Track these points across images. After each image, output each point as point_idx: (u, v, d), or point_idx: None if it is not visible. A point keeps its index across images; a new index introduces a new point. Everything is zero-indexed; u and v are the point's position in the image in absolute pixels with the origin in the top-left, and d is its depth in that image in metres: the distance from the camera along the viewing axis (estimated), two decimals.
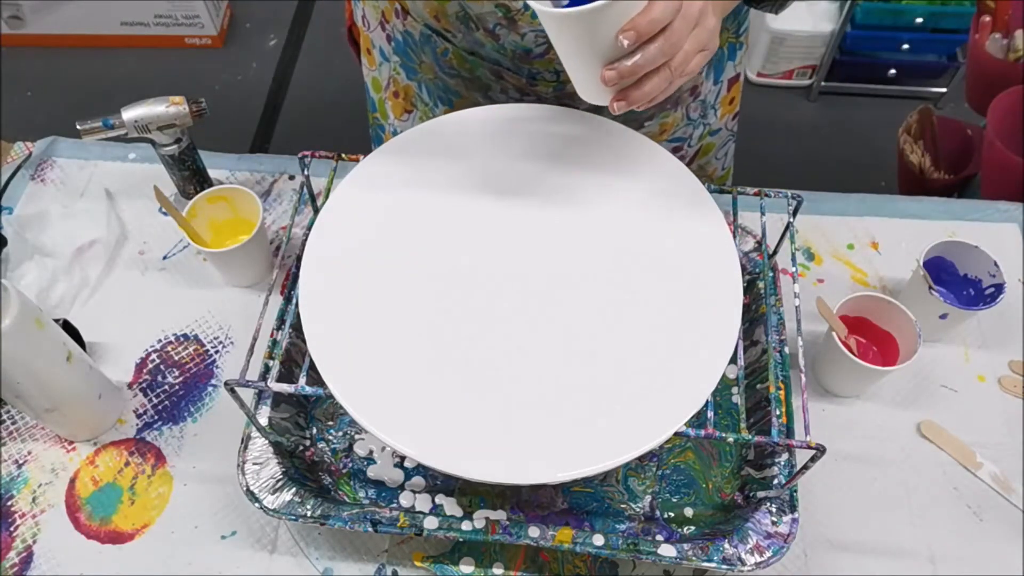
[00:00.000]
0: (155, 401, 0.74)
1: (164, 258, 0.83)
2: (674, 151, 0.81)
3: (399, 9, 0.71)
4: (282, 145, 1.93)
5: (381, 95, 0.84)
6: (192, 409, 0.73)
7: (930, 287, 0.71)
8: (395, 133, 0.85)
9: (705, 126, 0.82)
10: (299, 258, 0.60)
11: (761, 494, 0.63)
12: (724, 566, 0.58)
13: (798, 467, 0.61)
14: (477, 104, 0.74)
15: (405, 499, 0.66)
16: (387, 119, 0.85)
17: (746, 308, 0.71)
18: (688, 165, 0.81)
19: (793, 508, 0.60)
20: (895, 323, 0.70)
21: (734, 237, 0.60)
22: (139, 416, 0.73)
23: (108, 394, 0.71)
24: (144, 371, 0.76)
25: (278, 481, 0.63)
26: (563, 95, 0.71)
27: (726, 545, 0.59)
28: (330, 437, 0.70)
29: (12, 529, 0.67)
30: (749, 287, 0.74)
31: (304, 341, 0.55)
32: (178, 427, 0.72)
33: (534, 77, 0.69)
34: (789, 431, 0.64)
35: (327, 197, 0.62)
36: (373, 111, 0.88)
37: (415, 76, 0.77)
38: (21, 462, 0.71)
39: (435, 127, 0.65)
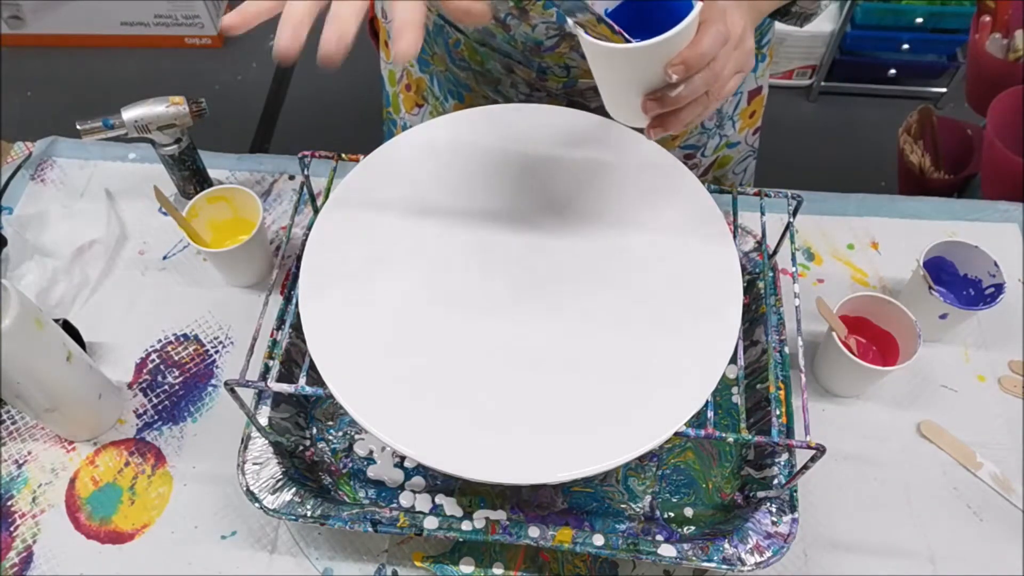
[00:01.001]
0: (155, 401, 0.74)
1: (164, 258, 0.83)
2: (686, 159, 0.80)
3: None
4: (282, 145, 1.93)
5: (395, 88, 0.84)
6: (192, 409, 0.73)
7: (930, 287, 0.71)
8: (405, 128, 0.85)
9: (722, 137, 0.81)
10: (299, 258, 0.60)
11: (761, 494, 0.63)
12: (724, 566, 0.58)
13: (798, 467, 0.61)
14: (487, 99, 0.74)
15: (405, 499, 0.66)
16: (399, 113, 0.85)
17: (746, 308, 0.71)
18: (702, 177, 0.80)
19: (793, 508, 0.60)
20: (895, 323, 0.70)
21: (734, 237, 0.60)
22: (139, 416, 0.73)
23: (108, 394, 0.71)
24: (144, 371, 0.76)
25: (278, 481, 0.63)
26: (572, 91, 0.70)
27: (726, 545, 0.59)
28: (330, 437, 0.70)
29: (12, 529, 0.67)
30: (749, 287, 0.74)
31: (304, 341, 0.55)
32: (178, 427, 0.72)
33: (544, 71, 0.69)
34: (789, 431, 0.64)
35: (327, 197, 0.62)
36: (387, 105, 0.88)
37: (427, 68, 0.77)
38: (21, 462, 0.71)
39: (437, 126, 0.65)
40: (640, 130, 0.53)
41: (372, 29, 0.89)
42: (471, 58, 0.71)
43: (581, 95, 0.71)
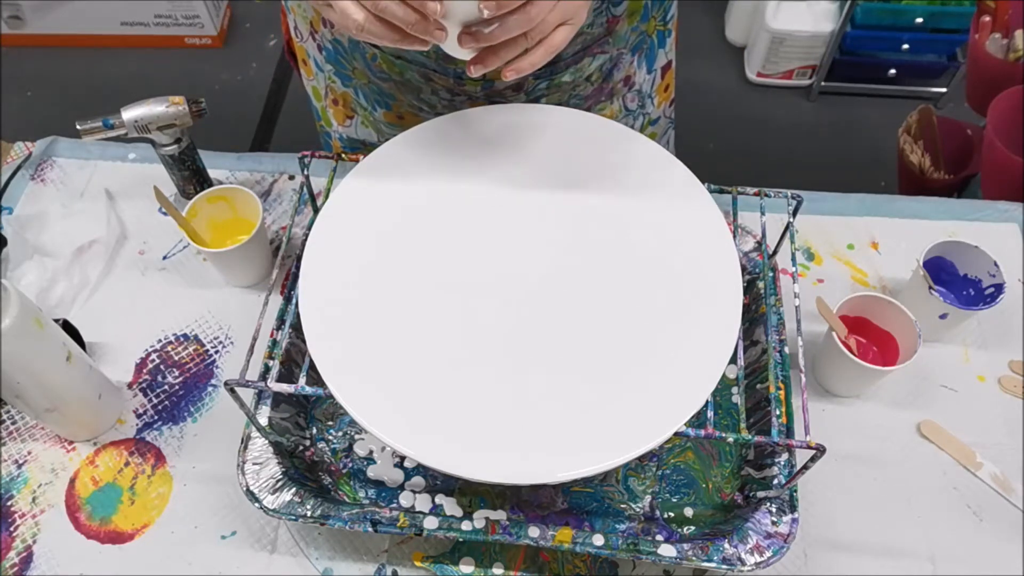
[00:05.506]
0: (155, 401, 0.74)
1: (164, 258, 0.83)
2: None
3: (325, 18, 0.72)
4: (282, 145, 1.93)
5: (322, 103, 0.84)
6: (192, 409, 0.73)
7: (930, 287, 0.71)
8: (341, 139, 0.86)
9: (644, 116, 0.83)
10: (299, 258, 0.60)
11: (761, 494, 0.63)
12: (724, 566, 0.58)
13: (798, 467, 0.61)
14: (412, 106, 0.75)
15: (405, 499, 0.66)
16: (331, 126, 0.86)
17: (746, 308, 0.71)
18: None
19: (793, 508, 0.60)
20: (895, 323, 0.70)
21: (734, 237, 0.60)
22: (139, 416, 0.73)
23: (108, 394, 0.71)
24: (144, 371, 0.76)
25: (278, 481, 0.63)
26: (492, 92, 0.71)
27: (726, 545, 0.59)
28: (330, 437, 0.70)
29: (12, 529, 0.67)
30: (749, 287, 0.74)
31: (304, 341, 0.55)
32: (178, 427, 0.72)
33: (460, 77, 0.70)
34: (789, 431, 0.64)
35: (327, 197, 0.62)
36: (318, 119, 0.88)
37: (350, 83, 0.78)
38: (21, 462, 0.71)
39: (433, 127, 0.65)
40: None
41: (289, 49, 0.89)
42: (390, 70, 0.72)
43: (501, 95, 0.72)
